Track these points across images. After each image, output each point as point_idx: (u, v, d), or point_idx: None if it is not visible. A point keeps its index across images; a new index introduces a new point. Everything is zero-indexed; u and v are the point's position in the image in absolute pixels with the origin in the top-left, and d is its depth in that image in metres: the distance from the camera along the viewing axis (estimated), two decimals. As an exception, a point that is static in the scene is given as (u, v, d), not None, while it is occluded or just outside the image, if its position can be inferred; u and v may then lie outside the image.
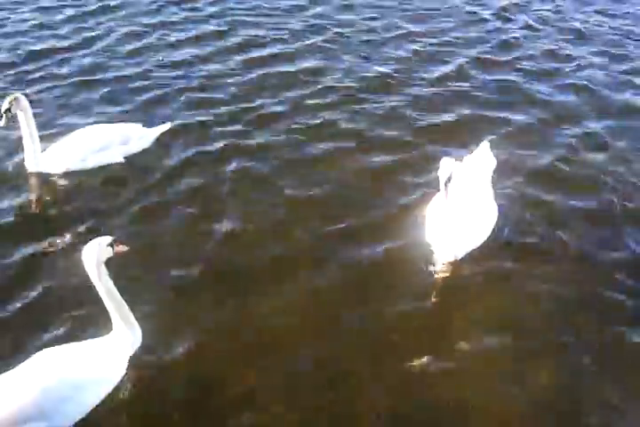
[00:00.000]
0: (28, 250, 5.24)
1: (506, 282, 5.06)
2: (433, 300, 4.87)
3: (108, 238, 3.93)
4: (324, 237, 5.46)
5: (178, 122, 6.92)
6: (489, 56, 8.83)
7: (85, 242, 3.96)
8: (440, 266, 5.08)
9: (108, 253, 3.92)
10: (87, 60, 8.31)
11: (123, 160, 6.30)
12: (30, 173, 6.08)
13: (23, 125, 5.87)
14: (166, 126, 6.61)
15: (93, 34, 9.00)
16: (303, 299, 4.84)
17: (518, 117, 7.38)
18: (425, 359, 4.35)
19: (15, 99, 5.71)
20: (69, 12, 9.65)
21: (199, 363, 4.33)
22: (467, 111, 7.47)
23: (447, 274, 5.05)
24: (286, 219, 5.67)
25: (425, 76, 8.24)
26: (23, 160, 6.09)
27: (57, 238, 5.37)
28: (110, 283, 3.96)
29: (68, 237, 5.38)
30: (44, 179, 6.07)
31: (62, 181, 6.07)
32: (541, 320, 4.73)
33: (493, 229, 5.24)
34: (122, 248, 3.98)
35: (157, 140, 6.56)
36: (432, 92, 7.83)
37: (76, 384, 3.75)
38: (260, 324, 4.62)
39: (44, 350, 3.87)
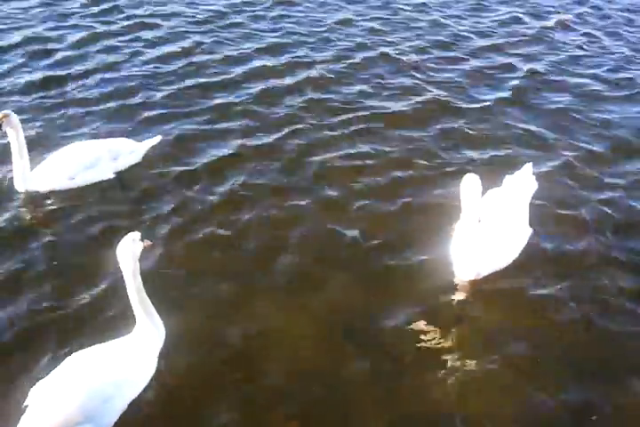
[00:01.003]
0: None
1: (524, 306, 4.95)
2: (448, 316, 4.83)
3: (138, 234, 4.02)
4: (342, 247, 5.47)
5: (167, 134, 6.86)
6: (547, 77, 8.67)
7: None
8: (461, 283, 5.00)
9: (139, 247, 4.00)
10: (71, 74, 8.22)
11: (113, 176, 6.20)
12: (19, 193, 5.96)
13: (13, 143, 5.76)
14: (156, 140, 6.52)
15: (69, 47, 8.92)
16: (318, 308, 4.85)
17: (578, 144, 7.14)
18: (439, 374, 4.36)
19: (5, 116, 5.60)
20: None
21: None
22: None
23: (467, 292, 4.98)
24: (288, 232, 5.65)
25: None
26: (12, 179, 5.97)
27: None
28: (140, 279, 4.01)
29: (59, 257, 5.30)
30: (33, 198, 5.95)
31: (51, 200, 5.94)
32: (563, 348, 4.63)
33: (522, 253, 5.14)
34: (148, 243, 4.07)
35: (147, 154, 6.46)
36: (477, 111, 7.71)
37: (116, 383, 3.80)
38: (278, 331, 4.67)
39: (75, 353, 3.90)
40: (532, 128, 7.38)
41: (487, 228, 4.92)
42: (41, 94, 7.66)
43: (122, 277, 4.07)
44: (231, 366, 4.38)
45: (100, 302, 4.81)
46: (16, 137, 5.73)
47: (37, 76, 8.05)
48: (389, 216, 5.86)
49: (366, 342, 4.60)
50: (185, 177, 6.33)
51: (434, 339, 4.62)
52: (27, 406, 3.70)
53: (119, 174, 6.24)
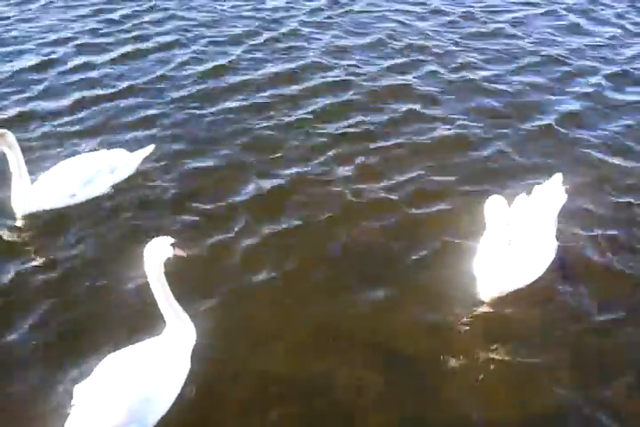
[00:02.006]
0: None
1: (545, 325, 4.83)
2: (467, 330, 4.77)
3: (170, 239, 4.02)
4: (361, 257, 5.45)
5: (159, 144, 6.75)
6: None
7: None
8: (485, 299, 4.91)
9: (169, 252, 3.99)
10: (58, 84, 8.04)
11: (111, 190, 6.07)
12: (18, 215, 5.77)
13: (12, 163, 5.57)
14: (149, 149, 6.42)
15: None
16: (339, 316, 4.87)
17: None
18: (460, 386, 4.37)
19: (1, 135, 5.39)
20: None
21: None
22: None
23: (490, 308, 4.89)
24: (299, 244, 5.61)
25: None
26: (10, 200, 5.76)
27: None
28: (165, 281, 4.01)
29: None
30: (33, 218, 5.79)
31: (51, 219, 5.80)
32: (585, 354, 4.60)
33: (548, 269, 5.02)
34: (179, 252, 4.06)
35: (141, 164, 6.36)
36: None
37: (155, 383, 3.81)
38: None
39: (111, 355, 3.91)
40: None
41: (513, 243, 4.74)
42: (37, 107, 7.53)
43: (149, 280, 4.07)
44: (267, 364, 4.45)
45: (130, 303, 4.85)
46: (14, 157, 5.53)
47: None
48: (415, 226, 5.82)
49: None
50: (187, 187, 6.28)
51: (451, 344, 4.65)
52: (71, 408, 3.70)
53: (115, 187, 6.13)
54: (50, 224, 5.75)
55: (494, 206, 4.63)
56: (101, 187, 6.01)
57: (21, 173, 5.57)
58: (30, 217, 5.76)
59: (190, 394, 4.09)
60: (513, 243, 4.75)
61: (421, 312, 4.86)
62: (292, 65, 8.60)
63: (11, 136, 5.43)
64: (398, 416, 4.16)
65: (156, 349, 3.99)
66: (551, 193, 5.41)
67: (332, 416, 4.16)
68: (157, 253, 3.94)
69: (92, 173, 5.93)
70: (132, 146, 6.58)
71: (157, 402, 3.83)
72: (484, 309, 4.89)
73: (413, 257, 5.39)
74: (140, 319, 4.59)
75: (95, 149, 6.36)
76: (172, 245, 4.00)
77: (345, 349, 4.58)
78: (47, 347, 4.55)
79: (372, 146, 6.95)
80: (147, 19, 9.94)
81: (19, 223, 5.72)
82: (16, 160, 5.51)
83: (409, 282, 5.15)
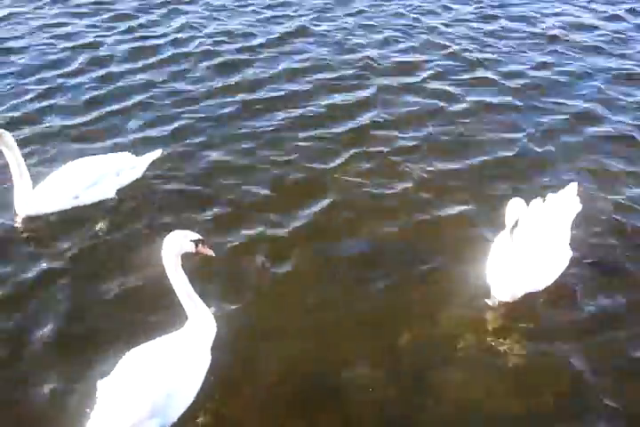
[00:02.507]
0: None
1: (554, 331, 4.79)
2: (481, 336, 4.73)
3: (195, 235, 4.00)
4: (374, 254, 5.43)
5: (168, 148, 6.70)
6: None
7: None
8: (495, 303, 4.88)
9: (190, 248, 3.97)
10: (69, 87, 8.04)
11: (115, 195, 6.04)
12: (20, 216, 5.75)
13: (11, 164, 5.55)
14: (157, 153, 6.36)
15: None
16: (347, 317, 4.87)
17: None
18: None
19: None
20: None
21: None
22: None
23: (501, 312, 4.86)
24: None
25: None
26: (12, 201, 5.74)
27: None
28: (181, 271, 3.98)
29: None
30: (36, 220, 5.77)
31: (55, 222, 5.78)
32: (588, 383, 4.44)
33: (561, 275, 4.98)
34: (206, 250, 4.05)
35: (148, 168, 6.29)
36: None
37: (177, 377, 3.78)
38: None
39: (133, 350, 3.87)
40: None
41: (526, 248, 4.78)
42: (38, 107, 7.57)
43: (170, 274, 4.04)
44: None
45: (152, 297, 4.81)
46: (13, 157, 5.52)
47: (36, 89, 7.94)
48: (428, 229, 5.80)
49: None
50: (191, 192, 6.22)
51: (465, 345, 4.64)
52: (95, 403, 3.68)
53: (120, 191, 6.08)
54: (54, 225, 5.74)
55: (515, 209, 4.62)
56: (106, 190, 5.97)
57: (22, 174, 5.55)
58: (35, 218, 5.74)
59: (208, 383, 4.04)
60: (526, 248, 4.77)
61: (433, 312, 4.87)
62: (303, 62, 8.53)
63: (8, 136, 5.41)
64: (402, 413, 4.16)
65: (177, 343, 3.96)
66: (565, 202, 5.38)
67: (340, 412, 4.15)
68: (175, 245, 3.92)
69: (97, 175, 5.89)
70: (140, 149, 6.52)
71: (180, 396, 3.80)
72: (495, 310, 4.87)
73: (430, 257, 5.39)
74: (159, 315, 4.61)
75: (102, 152, 6.30)
76: (197, 241, 3.98)
77: (360, 346, 4.59)
78: (66, 346, 4.55)
79: (391, 145, 6.90)
80: (153, 17, 9.85)
81: (20, 224, 5.71)
82: (15, 160, 5.49)
83: (425, 280, 5.18)
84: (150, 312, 4.73)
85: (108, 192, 5.99)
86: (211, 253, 4.10)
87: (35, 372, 4.34)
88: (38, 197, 5.73)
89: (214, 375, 4.08)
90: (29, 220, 5.75)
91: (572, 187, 5.54)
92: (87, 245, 5.52)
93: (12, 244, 5.58)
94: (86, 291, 5.05)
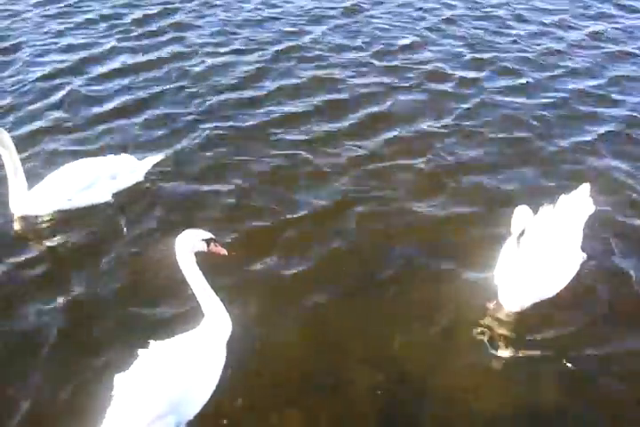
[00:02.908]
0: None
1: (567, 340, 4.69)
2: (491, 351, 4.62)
3: (207, 235, 4.01)
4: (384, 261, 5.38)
5: (170, 152, 6.61)
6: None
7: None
8: (504, 314, 4.77)
9: (202, 247, 3.98)
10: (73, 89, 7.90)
11: (111, 198, 5.90)
12: (16, 217, 5.64)
13: (7, 164, 5.46)
14: (159, 157, 6.27)
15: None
16: (348, 317, 4.85)
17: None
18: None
19: None
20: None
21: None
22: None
23: (510, 322, 4.75)
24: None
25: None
26: (7, 202, 5.63)
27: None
28: (196, 269, 3.98)
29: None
30: (31, 221, 5.66)
31: (49, 223, 5.68)
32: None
33: (573, 280, 4.87)
34: (219, 249, 4.06)
35: (150, 172, 6.19)
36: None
37: (194, 374, 3.78)
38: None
39: (150, 347, 3.85)
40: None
41: (535, 256, 4.67)
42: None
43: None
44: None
45: (168, 296, 4.81)
46: (9, 156, 5.43)
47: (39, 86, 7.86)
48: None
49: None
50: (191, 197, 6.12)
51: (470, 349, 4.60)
52: (111, 399, 3.64)
53: (119, 194, 5.95)
54: (53, 225, 5.66)
55: (521, 217, 4.57)
56: (101, 192, 5.84)
57: (17, 173, 5.48)
58: (32, 218, 5.66)
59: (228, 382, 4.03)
60: (534, 256, 4.68)
61: (435, 313, 4.86)
62: (320, 72, 8.39)
63: (5, 135, 5.35)
64: (402, 414, 4.16)
65: (194, 340, 3.95)
66: (578, 203, 5.25)
67: (340, 412, 4.14)
68: (187, 243, 3.93)
69: (91, 178, 5.78)
70: (144, 151, 6.46)
71: (196, 393, 3.79)
72: (501, 318, 4.80)
73: (434, 258, 5.37)
74: (175, 313, 4.63)
75: (102, 154, 6.18)
76: (209, 240, 3.99)
77: (361, 347, 4.58)
78: (80, 344, 4.52)
79: (409, 160, 6.73)
80: (161, 25, 9.70)
81: (17, 224, 5.61)
82: (11, 159, 5.41)
83: (428, 281, 5.16)
84: (164, 310, 4.74)
85: (103, 195, 5.86)
86: (223, 251, 4.10)
87: (46, 373, 4.30)
88: (33, 197, 5.64)
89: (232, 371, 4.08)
90: (26, 219, 5.66)
91: (585, 188, 5.40)
92: (87, 245, 5.47)
93: (10, 244, 5.51)
94: (97, 286, 5.04)
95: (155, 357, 3.79)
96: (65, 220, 5.68)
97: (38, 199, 5.62)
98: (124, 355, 3.93)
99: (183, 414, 3.73)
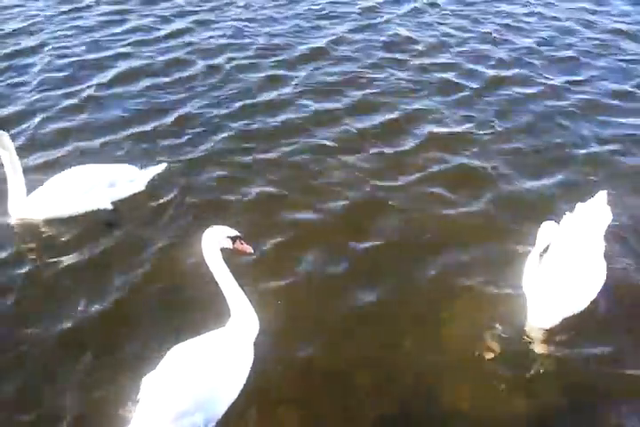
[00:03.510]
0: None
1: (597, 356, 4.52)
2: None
3: (233, 232, 4.07)
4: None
5: (173, 162, 6.47)
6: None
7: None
8: (534, 333, 4.61)
9: (227, 243, 4.04)
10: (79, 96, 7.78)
11: (110, 206, 5.84)
12: (14, 220, 5.61)
13: (7, 167, 5.44)
14: (161, 167, 6.21)
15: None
16: (350, 317, 4.85)
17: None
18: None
19: None
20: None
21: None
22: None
23: (541, 341, 4.58)
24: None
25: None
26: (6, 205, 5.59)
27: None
28: (224, 266, 4.03)
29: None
30: (29, 225, 5.61)
31: (46, 228, 5.62)
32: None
33: (600, 292, 4.72)
34: (245, 247, 4.11)
35: (151, 182, 6.09)
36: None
37: (221, 373, 3.81)
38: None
39: (178, 346, 3.89)
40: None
41: (558, 267, 4.58)
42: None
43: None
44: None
45: (197, 295, 4.80)
46: (9, 159, 5.42)
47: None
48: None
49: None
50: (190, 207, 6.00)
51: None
52: (140, 397, 3.67)
53: (117, 203, 5.88)
54: (52, 228, 5.61)
55: (547, 232, 4.56)
56: (99, 200, 5.78)
57: (17, 177, 5.47)
58: (28, 221, 5.61)
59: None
60: (560, 271, 4.59)
61: (437, 314, 4.82)
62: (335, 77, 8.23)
63: (6, 137, 5.33)
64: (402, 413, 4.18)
65: (221, 340, 3.97)
66: (596, 211, 5.13)
67: (340, 412, 4.15)
68: (213, 239, 3.98)
69: (88, 185, 5.73)
70: (146, 161, 6.37)
71: (223, 391, 3.80)
72: (536, 343, 4.61)
73: (438, 259, 5.33)
74: (204, 311, 4.60)
75: (105, 162, 6.11)
76: (234, 238, 4.04)
77: (362, 347, 4.57)
78: (105, 345, 4.53)
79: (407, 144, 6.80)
80: (171, 29, 9.53)
81: (16, 227, 5.58)
82: (10, 162, 5.40)
83: (431, 282, 5.13)
84: (189, 310, 4.75)
85: (101, 202, 5.81)
86: (250, 250, 4.13)
87: (74, 375, 4.30)
88: (31, 202, 5.62)
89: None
90: (24, 222, 5.63)
91: (602, 195, 5.26)
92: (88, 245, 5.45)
93: (10, 245, 5.47)
94: (116, 282, 5.07)
95: (182, 355, 3.81)
96: (65, 224, 5.62)
97: (36, 204, 5.59)
98: (152, 355, 3.96)
99: (211, 413, 3.73)
